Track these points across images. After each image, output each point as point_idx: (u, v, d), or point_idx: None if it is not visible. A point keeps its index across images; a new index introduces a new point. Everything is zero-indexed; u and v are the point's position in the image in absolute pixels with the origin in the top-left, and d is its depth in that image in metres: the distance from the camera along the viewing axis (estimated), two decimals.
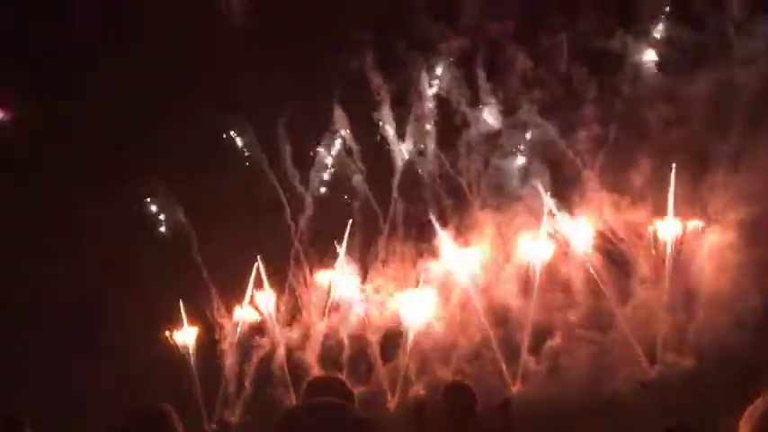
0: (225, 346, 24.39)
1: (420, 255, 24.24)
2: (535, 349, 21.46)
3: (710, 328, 18.37)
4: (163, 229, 25.62)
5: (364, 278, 24.63)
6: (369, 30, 23.83)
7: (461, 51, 24.06)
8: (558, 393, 19.56)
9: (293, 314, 24.80)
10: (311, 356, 23.53)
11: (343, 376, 21.88)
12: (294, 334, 24.12)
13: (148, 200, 25.38)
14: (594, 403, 18.71)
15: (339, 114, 24.82)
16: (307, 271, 25.25)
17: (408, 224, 25.08)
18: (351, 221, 25.20)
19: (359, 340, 23.53)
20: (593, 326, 20.58)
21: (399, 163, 25.45)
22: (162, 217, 25.57)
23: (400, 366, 22.74)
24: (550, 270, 21.55)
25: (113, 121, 22.51)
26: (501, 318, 21.92)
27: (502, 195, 23.72)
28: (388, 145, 25.47)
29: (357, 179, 25.61)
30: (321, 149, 25.53)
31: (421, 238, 24.51)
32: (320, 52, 23.00)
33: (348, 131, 25.29)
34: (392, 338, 23.24)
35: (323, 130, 25.14)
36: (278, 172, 25.27)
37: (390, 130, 25.36)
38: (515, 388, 21.17)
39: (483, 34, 23.48)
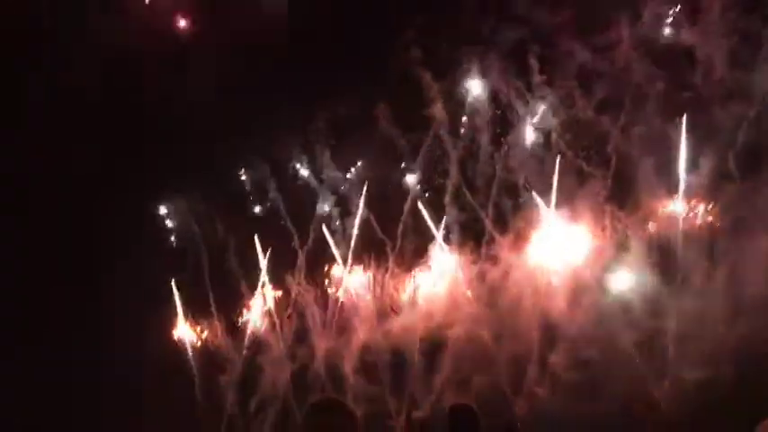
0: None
1: (474, 262, 24.21)
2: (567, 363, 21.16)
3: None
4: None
5: (413, 286, 24.67)
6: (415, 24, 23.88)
7: (514, 44, 23.82)
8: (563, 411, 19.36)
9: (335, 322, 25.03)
10: (348, 366, 23.67)
11: (379, 386, 22.22)
12: (332, 343, 24.30)
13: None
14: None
15: (385, 113, 24.83)
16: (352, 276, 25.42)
17: (463, 228, 25.01)
18: (401, 227, 25.25)
19: (400, 350, 23.53)
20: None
21: (452, 163, 25.35)
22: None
23: (436, 376, 22.71)
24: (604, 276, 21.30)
25: None
26: (545, 327, 21.73)
27: (558, 195, 23.52)
28: (440, 145, 25.40)
29: (407, 181, 25.61)
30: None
31: (476, 244, 24.45)
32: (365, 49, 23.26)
33: (396, 131, 25.27)
34: (435, 347, 23.14)
35: (367, 130, 25.16)
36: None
37: (442, 129, 25.28)
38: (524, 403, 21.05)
39: (536, 25, 23.21)
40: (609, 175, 22.74)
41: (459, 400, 7.83)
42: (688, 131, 20.82)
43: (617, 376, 19.82)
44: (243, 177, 25.87)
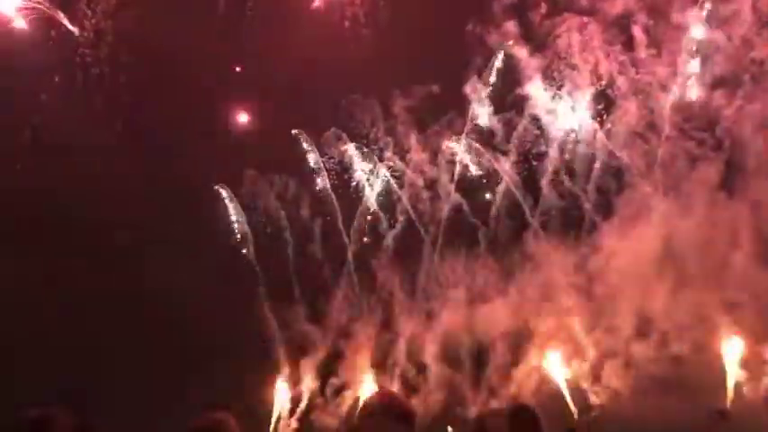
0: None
1: (572, 251, 23.32)
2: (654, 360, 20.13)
3: None
4: None
5: (506, 276, 23.99)
6: None
7: (618, 14, 22.63)
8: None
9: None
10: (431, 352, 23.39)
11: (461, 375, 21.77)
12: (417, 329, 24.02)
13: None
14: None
15: (476, 91, 24.16)
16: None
17: (561, 215, 24.17)
18: (494, 214, 24.62)
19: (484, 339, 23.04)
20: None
21: (550, 145, 24.38)
22: None
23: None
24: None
25: None
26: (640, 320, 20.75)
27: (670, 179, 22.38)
28: (538, 125, 24.49)
29: (500, 165, 24.85)
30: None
31: (576, 232, 23.59)
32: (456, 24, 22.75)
33: (487, 110, 24.52)
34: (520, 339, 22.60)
35: (456, 111, 24.56)
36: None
37: (539, 108, 24.30)
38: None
39: None
40: (721, 158, 21.38)
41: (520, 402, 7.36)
42: None
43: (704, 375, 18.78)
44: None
